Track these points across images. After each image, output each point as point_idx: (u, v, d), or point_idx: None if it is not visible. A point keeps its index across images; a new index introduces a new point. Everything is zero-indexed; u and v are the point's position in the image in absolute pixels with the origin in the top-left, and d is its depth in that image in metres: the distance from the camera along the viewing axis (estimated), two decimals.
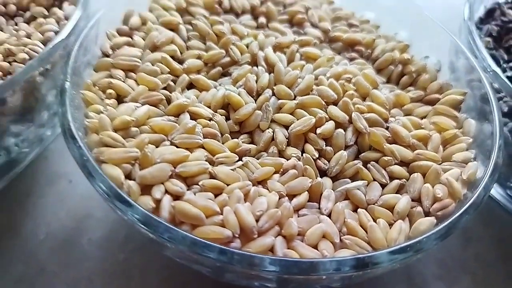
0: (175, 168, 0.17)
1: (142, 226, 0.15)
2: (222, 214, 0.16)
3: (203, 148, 0.19)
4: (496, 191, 0.25)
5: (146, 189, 0.17)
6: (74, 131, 0.17)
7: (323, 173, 0.19)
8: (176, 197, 0.17)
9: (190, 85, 0.22)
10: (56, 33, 0.23)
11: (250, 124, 0.21)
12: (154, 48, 0.23)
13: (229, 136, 0.20)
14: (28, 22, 0.25)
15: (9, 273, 0.25)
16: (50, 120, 0.24)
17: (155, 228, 0.15)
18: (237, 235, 0.15)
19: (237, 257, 0.14)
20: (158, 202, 0.16)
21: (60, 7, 0.25)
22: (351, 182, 0.19)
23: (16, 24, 0.25)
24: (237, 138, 0.20)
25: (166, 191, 0.17)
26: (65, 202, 0.28)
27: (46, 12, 0.25)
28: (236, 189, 0.17)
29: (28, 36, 0.23)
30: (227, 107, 0.21)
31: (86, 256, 0.26)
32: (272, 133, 0.20)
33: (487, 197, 0.17)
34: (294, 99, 0.21)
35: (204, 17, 0.24)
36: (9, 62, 0.21)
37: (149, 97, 0.20)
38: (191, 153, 0.18)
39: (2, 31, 0.24)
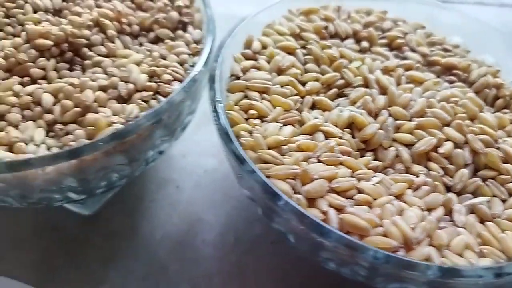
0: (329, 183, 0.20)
1: (317, 235, 0.18)
2: (381, 226, 0.18)
3: (342, 165, 0.21)
4: None
5: (310, 202, 0.19)
6: (242, 153, 0.20)
7: (447, 189, 0.22)
8: (338, 209, 0.19)
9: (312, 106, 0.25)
10: (190, 55, 0.25)
11: (374, 142, 0.23)
12: (279, 71, 0.25)
13: (358, 153, 0.23)
14: (152, 43, 0.27)
15: (134, 272, 0.27)
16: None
17: (330, 236, 0.17)
18: (402, 245, 0.18)
19: (406, 264, 0.17)
20: (324, 213, 0.19)
21: (184, 30, 0.27)
22: (473, 197, 0.21)
23: (140, 44, 0.27)
24: (363, 156, 0.23)
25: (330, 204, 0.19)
26: (175, 206, 0.31)
27: (172, 34, 0.27)
28: (387, 204, 0.19)
29: (163, 57, 0.25)
30: (350, 126, 0.24)
31: (202, 256, 0.28)
32: (395, 151, 0.23)
33: None
34: (409, 120, 0.24)
35: (315, 41, 0.27)
36: (156, 82, 0.24)
37: (288, 117, 0.23)
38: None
39: (129, 49, 0.27)
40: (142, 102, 0.22)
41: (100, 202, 0.29)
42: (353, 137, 0.23)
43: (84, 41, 0.25)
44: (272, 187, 0.19)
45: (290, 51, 0.26)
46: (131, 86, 0.23)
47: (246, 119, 0.23)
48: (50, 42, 0.24)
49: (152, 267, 0.28)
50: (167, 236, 0.29)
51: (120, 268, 0.27)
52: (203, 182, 0.32)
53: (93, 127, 0.21)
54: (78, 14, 0.27)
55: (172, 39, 0.27)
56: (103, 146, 0.20)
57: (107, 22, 0.26)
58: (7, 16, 0.28)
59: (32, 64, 0.24)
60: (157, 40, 0.27)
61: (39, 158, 0.19)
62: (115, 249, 0.28)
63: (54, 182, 0.21)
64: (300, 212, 0.18)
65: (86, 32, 0.25)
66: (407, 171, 0.22)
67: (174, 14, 0.27)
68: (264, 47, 0.26)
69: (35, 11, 0.28)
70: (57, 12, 0.28)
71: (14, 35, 0.27)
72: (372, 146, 0.23)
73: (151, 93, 0.23)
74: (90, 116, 0.22)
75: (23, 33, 0.25)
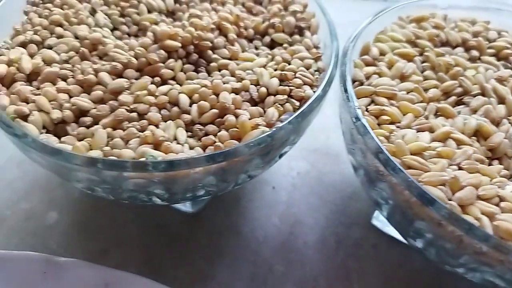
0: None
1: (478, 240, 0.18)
2: None
3: (479, 172, 0.22)
4: None
5: (462, 209, 0.20)
6: (392, 158, 0.20)
7: None
8: (489, 216, 0.19)
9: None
10: (314, 60, 0.26)
11: (499, 151, 0.23)
12: (402, 77, 0.25)
13: (487, 161, 0.23)
14: (268, 47, 0.28)
15: (242, 272, 0.28)
16: None
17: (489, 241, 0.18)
18: None
19: None
20: (478, 220, 0.19)
21: (301, 35, 0.28)
22: None
23: (256, 48, 0.28)
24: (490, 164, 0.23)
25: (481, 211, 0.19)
26: (273, 207, 0.31)
27: (289, 39, 0.27)
28: None
29: (286, 61, 0.26)
30: (475, 134, 0.24)
31: (306, 258, 0.29)
32: None
33: None
34: None
35: (430, 49, 0.27)
36: (287, 86, 0.24)
37: (421, 124, 0.23)
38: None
39: (246, 52, 0.27)
40: (279, 106, 0.23)
41: (203, 201, 0.30)
42: None
43: (209, 43, 0.25)
44: (429, 193, 0.19)
45: (409, 58, 0.26)
46: (263, 89, 0.24)
47: (378, 125, 0.23)
48: (178, 44, 0.25)
49: (258, 267, 0.28)
50: (270, 236, 0.29)
51: (227, 267, 0.28)
52: (297, 184, 0.32)
53: (236, 129, 0.22)
54: (198, 17, 0.27)
55: (290, 43, 0.27)
56: (256, 148, 0.20)
57: (228, 25, 0.26)
58: (122, 15, 0.28)
59: (162, 64, 0.24)
60: (272, 44, 0.28)
61: (196, 159, 0.19)
62: (220, 247, 0.29)
63: (198, 180, 0.21)
64: (460, 218, 0.18)
65: (210, 35, 0.26)
66: None
67: (291, 19, 0.27)
68: (382, 53, 0.27)
69: (149, 11, 0.28)
70: (170, 14, 0.29)
71: (129, 34, 0.28)
72: (498, 155, 0.23)
73: (285, 96, 0.23)
74: (231, 117, 0.22)
75: (149, 34, 0.26)
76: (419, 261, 0.28)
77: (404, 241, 0.29)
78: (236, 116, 0.22)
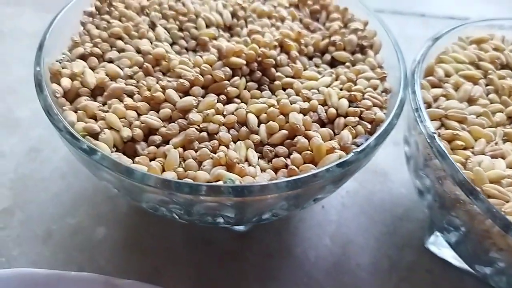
0: None
1: None
2: None
3: None
4: None
5: None
6: (474, 186, 0.19)
7: None
8: None
9: None
10: (379, 80, 0.25)
11: None
12: (470, 101, 0.25)
13: None
14: (329, 64, 0.27)
15: None
16: None
17: None
18: None
19: None
20: None
21: (363, 53, 0.27)
22: None
23: (316, 66, 0.27)
24: None
25: None
26: (324, 227, 0.30)
27: (351, 58, 0.27)
28: None
29: (351, 81, 0.25)
30: None
31: (359, 280, 0.28)
32: None
33: None
34: None
35: (493, 71, 0.27)
36: (357, 107, 0.23)
37: (494, 150, 0.23)
38: None
39: (307, 70, 0.26)
40: (351, 128, 0.22)
41: None
42: None
43: (273, 61, 0.25)
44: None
45: (474, 81, 0.26)
46: (332, 110, 0.23)
47: (451, 150, 0.23)
48: (243, 61, 0.24)
49: None
50: (321, 257, 0.29)
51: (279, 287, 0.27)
52: (347, 203, 0.32)
53: (309, 152, 0.21)
54: (259, 33, 0.27)
55: (352, 62, 0.27)
56: (335, 173, 0.20)
57: (290, 42, 0.26)
58: (180, 29, 0.28)
59: (228, 82, 0.24)
60: (332, 62, 0.27)
61: (277, 184, 0.19)
62: (272, 268, 0.28)
63: (271, 205, 0.21)
64: None
65: (273, 52, 0.25)
66: None
67: (353, 38, 0.27)
68: (447, 75, 0.26)
69: (207, 26, 0.28)
70: (227, 29, 0.29)
71: (187, 49, 0.27)
72: None
73: (357, 119, 0.23)
74: (303, 140, 0.22)
75: (213, 50, 0.25)
76: (474, 286, 0.28)
77: (460, 266, 0.28)
78: (308, 138, 0.22)
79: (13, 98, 0.36)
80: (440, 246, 0.29)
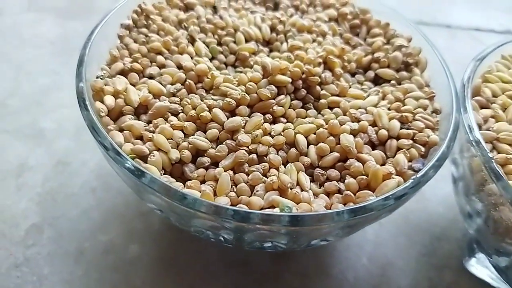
0: None
1: None
2: None
3: None
4: None
5: None
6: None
7: None
8: None
9: None
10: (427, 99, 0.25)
11: None
12: None
13: None
14: (372, 82, 0.27)
15: None
16: None
17: None
18: None
19: None
20: None
21: (408, 71, 0.26)
22: None
23: (359, 83, 0.26)
24: None
25: None
26: (362, 246, 0.30)
27: (396, 75, 0.26)
28: None
29: (398, 100, 0.24)
30: None
31: None
32: None
33: None
34: None
35: None
36: (408, 129, 0.23)
37: None
38: None
39: (351, 87, 0.26)
40: (406, 152, 0.22)
41: None
42: None
43: (318, 79, 0.24)
44: None
45: None
46: (383, 132, 0.22)
47: (505, 174, 0.22)
48: (288, 79, 0.24)
49: None
50: (361, 279, 0.28)
51: None
52: (384, 222, 0.31)
53: (364, 176, 0.20)
54: (301, 49, 0.26)
55: (398, 80, 0.26)
56: (396, 201, 0.19)
57: (335, 59, 0.25)
58: (219, 44, 0.27)
59: (273, 101, 0.23)
60: (376, 80, 0.27)
61: (338, 213, 0.18)
62: None
63: (327, 233, 0.20)
64: None
65: (318, 70, 0.25)
66: None
67: (398, 55, 0.26)
68: (494, 95, 0.25)
69: (246, 40, 0.27)
70: (265, 43, 0.28)
71: (226, 64, 0.27)
72: None
73: (410, 141, 0.22)
74: (357, 164, 0.21)
75: (257, 67, 0.24)
76: None
77: (498, 287, 0.28)
78: (361, 161, 0.21)
79: (37, 108, 0.36)
80: (479, 266, 0.28)
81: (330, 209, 0.20)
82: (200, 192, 0.19)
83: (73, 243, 0.28)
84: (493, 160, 0.21)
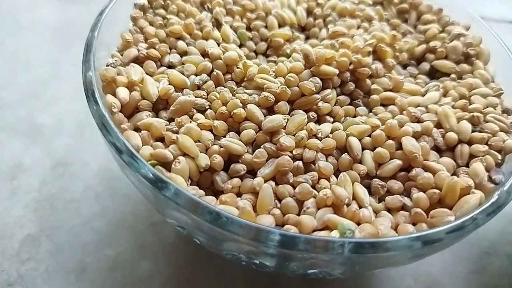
0: None
1: None
2: None
3: None
4: None
5: None
6: None
7: None
8: None
9: None
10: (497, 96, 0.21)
11: None
12: None
13: None
14: (427, 75, 0.23)
15: None
16: None
17: None
18: None
19: None
20: None
21: (469, 63, 0.23)
22: None
23: (412, 76, 0.23)
24: None
25: None
26: (406, 266, 0.26)
27: (457, 68, 0.22)
28: None
29: (463, 97, 0.21)
30: None
31: None
32: None
33: None
34: None
35: None
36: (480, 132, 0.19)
37: None
38: None
39: (413, 83, 0.22)
40: (482, 159, 0.18)
41: None
42: None
43: (368, 70, 0.20)
44: None
45: None
46: (452, 135, 0.19)
47: None
48: (335, 70, 0.20)
49: None
50: None
51: None
52: None
53: (436, 190, 0.17)
54: (345, 35, 0.22)
55: (458, 74, 0.22)
56: (483, 221, 0.15)
57: (387, 48, 0.21)
58: (248, 28, 0.23)
59: (318, 96, 0.19)
60: (432, 73, 0.23)
61: (412, 241, 0.14)
62: None
63: (394, 262, 0.16)
64: None
65: (368, 60, 0.21)
66: None
67: (458, 44, 0.22)
68: None
69: (279, 26, 0.23)
70: (301, 29, 0.24)
71: (257, 52, 0.23)
72: None
73: (486, 147, 0.18)
74: (427, 174, 0.17)
75: (296, 55, 0.21)
76: None
77: None
78: (430, 171, 0.17)
79: (34, 101, 0.32)
80: None
81: (396, 230, 0.16)
82: (237, 208, 0.15)
83: (74, 258, 0.24)
84: None
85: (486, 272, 0.26)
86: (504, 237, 0.28)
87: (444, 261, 0.26)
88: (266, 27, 0.23)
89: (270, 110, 0.19)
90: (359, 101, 0.21)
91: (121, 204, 0.27)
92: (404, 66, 0.23)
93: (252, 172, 0.17)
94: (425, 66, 0.23)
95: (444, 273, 0.26)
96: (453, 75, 0.22)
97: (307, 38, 0.24)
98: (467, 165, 0.18)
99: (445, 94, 0.21)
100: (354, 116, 0.20)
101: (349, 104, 0.20)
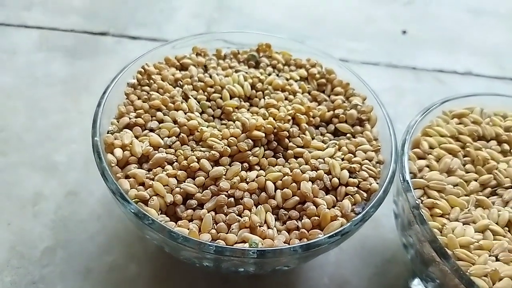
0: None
1: None
2: None
3: None
4: None
5: None
6: (448, 252, 0.25)
7: None
8: None
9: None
10: (374, 152, 0.30)
11: None
12: (449, 172, 0.30)
13: None
14: (332, 134, 0.32)
15: None
16: None
17: None
18: None
19: None
20: None
21: (361, 126, 0.32)
22: None
23: (321, 134, 0.32)
24: None
25: None
26: (324, 268, 0.35)
27: (352, 130, 0.32)
28: None
29: (351, 152, 0.30)
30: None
31: None
32: None
33: None
34: None
35: (471, 144, 0.32)
36: (354, 178, 0.28)
37: (466, 217, 0.28)
38: None
39: (314, 139, 0.32)
40: (351, 197, 0.27)
41: None
42: None
43: (287, 133, 0.30)
44: (475, 283, 0.24)
45: (454, 153, 0.31)
46: (336, 180, 0.28)
47: (431, 216, 0.28)
48: (262, 134, 0.29)
49: None
50: None
51: None
52: (344, 247, 0.37)
53: (317, 217, 0.26)
54: (275, 107, 0.32)
55: (352, 134, 0.32)
56: (338, 238, 0.25)
57: (301, 116, 0.31)
58: (208, 99, 0.33)
59: (250, 152, 0.29)
60: (335, 132, 0.32)
61: (295, 248, 0.24)
62: None
63: (286, 262, 0.26)
64: None
65: (287, 125, 0.30)
66: None
67: (354, 112, 0.32)
68: (431, 147, 0.31)
69: (231, 97, 0.33)
70: (247, 98, 0.34)
71: (214, 116, 0.32)
72: None
73: (355, 188, 0.28)
74: (312, 207, 0.27)
75: (238, 123, 0.30)
76: None
77: None
78: (315, 204, 0.27)
79: (50, 143, 0.41)
80: (420, 287, 0.34)
81: (289, 243, 0.25)
82: (188, 230, 0.25)
83: (82, 263, 0.33)
84: (419, 205, 0.26)
85: (387, 275, 0.36)
86: (403, 249, 0.37)
87: (355, 266, 0.36)
88: (221, 98, 0.33)
89: (216, 162, 0.28)
90: (279, 154, 0.30)
91: (117, 222, 0.36)
92: (317, 127, 0.32)
93: (201, 205, 0.27)
94: (331, 127, 0.32)
95: (354, 275, 0.35)
96: (348, 135, 0.32)
97: (251, 105, 0.33)
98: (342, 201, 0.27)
99: (339, 149, 0.31)
100: (275, 166, 0.29)
101: (272, 157, 0.30)
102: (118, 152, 0.27)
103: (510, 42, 0.60)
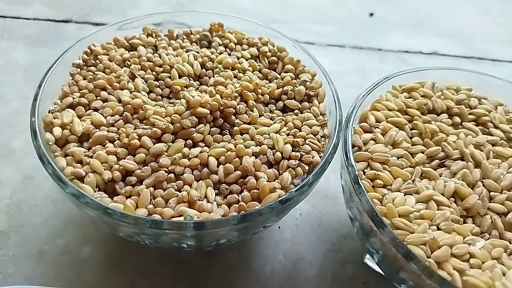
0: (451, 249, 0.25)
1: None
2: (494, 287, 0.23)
3: (455, 231, 0.26)
4: None
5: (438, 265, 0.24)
6: (384, 220, 0.25)
7: None
8: (460, 272, 0.24)
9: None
10: (320, 127, 0.30)
11: (473, 210, 0.28)
12: (394, 144, 0.30)
13: (461, 220, 0.28)
14: (281, 111, 0.32)
15: None
16: None
17: None
18: None
19: None
20: (450, 275, 0.24)
21: (309, 102, 0.32)
22: None
23: (271, 111, 0.32)
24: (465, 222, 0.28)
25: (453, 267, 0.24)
26: (279, 245, 0.35)
27: (299, 106, 0.32)
28: (495, 267, 0.24)
29: (297, 127, 0.30)
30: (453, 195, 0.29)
31: None
32: (491, 219, 0.28)
33: None
34: (501, 192, 0.29)
35: (419, 117, 0.32)
36: (297, 152, 0.29)
37: (408, 188, 0.28)
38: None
39: (262, 115, 0.32)
40: (292, 170, 0.27)
41: None
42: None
43: (233, 110, 0.30)
44: (412, 252, 0.24)
45: (401, 126, 0.31)
46: (278, 154, 0.28)
47: (373, 187, 0.28)
48: (207, 111, 0.29)
49: None
50: (276, 271, 0.34)
51: None
52: (300, 224, 0.37)
53: (256, 190, 0.26)
54: (223, 84, 0.32)
55: (300, 109, 0.32)
56: (274, 209, 0.25)
57: (249, 93, 0.31)
58: (157, 79, 0.33)
59: (194, 129, 0.29)
60: (284, 109, 0.32)
61: (226, 220, 0.24)
62: (233, 280, 0.33)
63: (224, 235, 0.26)
64: (435, 273, 0.23)
65: (234, 102, 0.30)
66: (501, 236, 0.27)
67: (302, 88, 0.32)
68: (378, 120, 0.31)
69: (179, 76, 0.33)
70: (197, 77, 0.34)
71: (162, 96, 0.32)
72: (471, 214, 0.28)
73: (297, 161, 0.28)
74: (252, 180, 0.27)
75: (183, 100, 0.30)
76: None
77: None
78: (257, 178, 0.27)
79: (9, 130, 0.41)
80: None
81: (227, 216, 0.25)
82: (124, 205, 0.25)
83: (35, 246, 0.33)
84: (357, 176, 0.27)
85: (342, 251, 0.36)
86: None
87: (310, 242, 0.36)
88: (170, 77, 0.33)
89: (158, 139, 0.28)
90: (226, 131, 0.30)
91: (71, 207, 0.36)
92: (266, 104, 0.32)
93: (142, 182, 0.27)
94: (280, 104, 0.32)
95: (308, 251, 0.35)
96: (296, 111, 0.32)
97: (201, 84, 0.33)
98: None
99: (286, 125, 0.30)
100: (220, 142, 0.29)
101: (219, 134, 0.30)
102: (57, 131, 0.27)
103: (477, 22, 0.60)
